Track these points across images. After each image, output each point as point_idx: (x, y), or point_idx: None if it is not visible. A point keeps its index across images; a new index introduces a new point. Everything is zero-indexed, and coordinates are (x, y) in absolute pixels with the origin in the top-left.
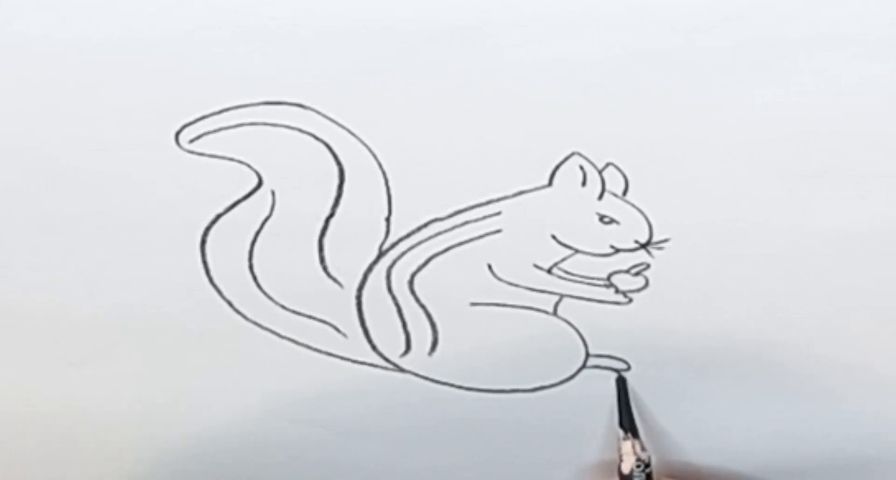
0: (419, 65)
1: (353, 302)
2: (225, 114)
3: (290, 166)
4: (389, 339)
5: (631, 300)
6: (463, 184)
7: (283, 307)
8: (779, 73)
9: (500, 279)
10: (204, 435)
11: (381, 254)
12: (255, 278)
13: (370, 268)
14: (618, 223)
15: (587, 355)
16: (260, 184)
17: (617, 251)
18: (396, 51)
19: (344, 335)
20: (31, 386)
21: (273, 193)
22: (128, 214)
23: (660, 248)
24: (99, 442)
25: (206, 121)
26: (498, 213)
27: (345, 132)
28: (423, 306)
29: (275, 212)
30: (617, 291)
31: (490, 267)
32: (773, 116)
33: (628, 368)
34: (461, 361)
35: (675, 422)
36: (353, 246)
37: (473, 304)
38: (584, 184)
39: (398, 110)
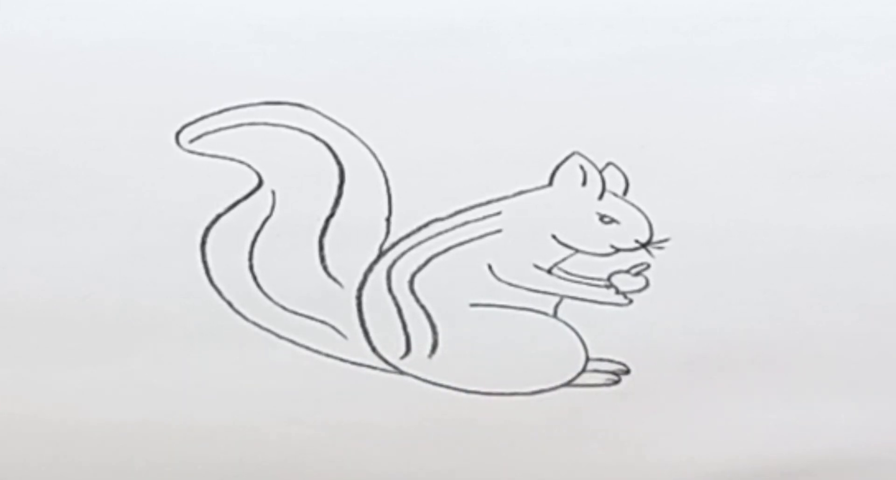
0: (419, 65)
1: (354, 302)
2: (225, 114)
3: (291, 166)
4: (389, 341)
5: (631, 301)
6: (463, 184)
7: (283, 307)
8: (779, 73)
9: (500, 279)
10: (203, 434)
11: (381, 254)
12: (255, 278)
13: (370, 268)
14: (618, 223)
15: (587, 359)
16: (260, 184)
17: (617, 251)
18: (396, 51)
19: (344, 336)
20: (31, 385)
21: (273, 193)
22: (128, 214)
23: (660, 248)
24: (98, 442)
25: (207, 121)
26: (498, 213)
27: (345, 132)
28: (423, 306)
29: (275, 212)
30: (617, 292)
31: (490, 267)
32: (773, 116)
33: (628, 372)
34: (461, 364)
35: (674, 422)
36: (353, 246)
37: (473, 305)
38: (584, 183)
39: (398, 110)
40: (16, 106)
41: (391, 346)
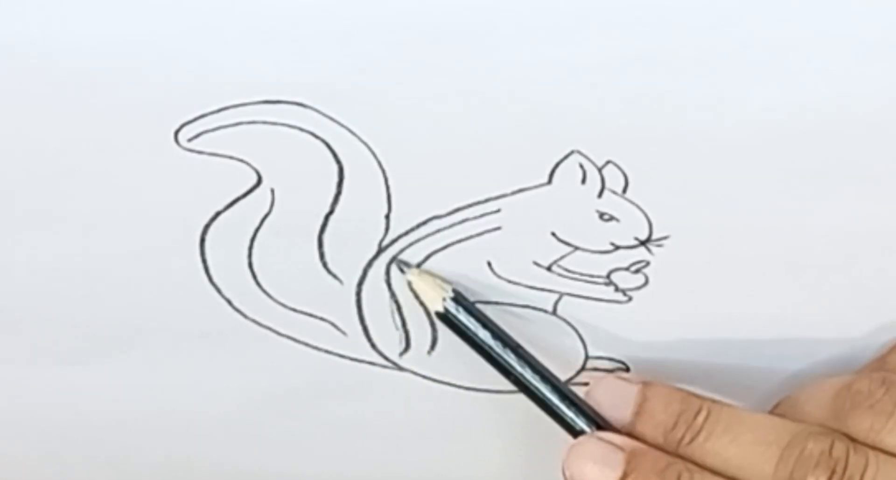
0: (419, 64)
1: (353, 298)
2: (224, 112)
3: (290, 164)
4: (389, 337)
5: (630, 298)
6: (462, 182)
7: (283, 305)
8: (779, 73)
9: (499, 276)
10: (203, 433)
11: (380, 251)
12: (254, 276)
13: (370, 264)
14: (617, 220)
15: (586, 357)
16: (259, 182)
17: (617, 248)
18: (396, 50)
19: (343, 333)
20: (30, 385)
21: (272, 191)
22: (127, 212)
23: (659, 245)
24: (98, 442)
25: (206, 119)
26: (497, 211)
27: (344, 130)
28: (422, 303)
29: (274, 210)
30: (617, 289)
31: (490, 264)
32: (773, 116)
33: (627, 370)
34: (460, 360)
35: None
36: (352, 243)
37: (473, 302)
38: (583, 181)
39: (398, 109)
40: (15, 106)
41: (390, 343)
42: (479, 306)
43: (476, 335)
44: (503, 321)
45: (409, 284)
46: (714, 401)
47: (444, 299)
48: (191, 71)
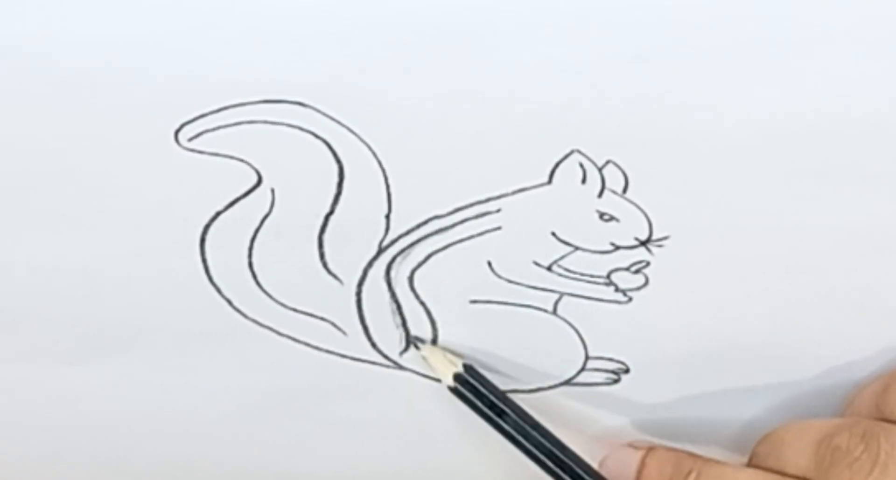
0: (419, 64)
1: (353, 298)
2: (224, 112)
3: (290, 164)
4: (389, 337)
5: (630, 299)
6: (463, 182)
7: (283, 305)
8: (779, 73)
9: (499, 276)
10: (203, 433)
11: (380, 251)
12: (254, 276)
13: (370, 264)
14: (617, 220)
15: (587, 357)
16: (259, 181)
17: (617, 248)
18: (396, 50)
19: (343, 332)
20: (30, 385)
21: (273, 191)
22: (127, 212)
23: (659, 246)
24: (98, 442)
25: (206, 119)
26: (498, 210)
27: (345, 130)
28: (422, 303)
29: (274, 210)
30: (617, 289)
31: (490, 264)
32: (773, 116)
33: (627, 371)
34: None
35: (673, 423)
36: (352, 244)
37: (473, 302)
38: (583, 181)
39: (398, 108)
40: (15, 105)
41: (391, 342)
42: (478, 305)
43: (485, 409)
44: (503, 321)
45: (423, 359)
46: (707, 461)
47: (453, 373)
48: (191, 71)
